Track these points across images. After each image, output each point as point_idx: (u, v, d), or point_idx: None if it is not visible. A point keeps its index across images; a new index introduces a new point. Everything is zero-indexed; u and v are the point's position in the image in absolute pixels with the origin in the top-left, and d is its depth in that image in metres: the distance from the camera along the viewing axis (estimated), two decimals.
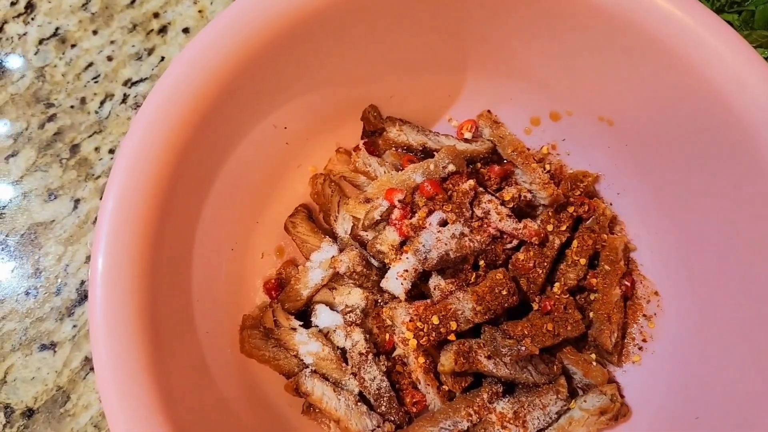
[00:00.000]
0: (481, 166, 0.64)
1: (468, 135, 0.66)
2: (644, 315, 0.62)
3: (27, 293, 0.63)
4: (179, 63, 0.49)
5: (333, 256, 0.59)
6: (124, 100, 0.69)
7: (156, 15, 0.72)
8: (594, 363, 0.60)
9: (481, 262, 0.58)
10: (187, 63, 0.49)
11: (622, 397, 0.59)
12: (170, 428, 0.47)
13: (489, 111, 0.66)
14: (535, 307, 0.59)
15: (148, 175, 0.48)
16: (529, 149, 0.65)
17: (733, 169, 0.51)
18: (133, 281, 0.47)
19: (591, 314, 0.61)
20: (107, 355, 0.46)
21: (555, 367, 0.58)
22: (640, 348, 0.61)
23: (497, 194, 0.60)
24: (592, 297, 0.62)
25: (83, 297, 0.63)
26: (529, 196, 0.61)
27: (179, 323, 0.53)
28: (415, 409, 0.58)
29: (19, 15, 0.71)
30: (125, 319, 0.46)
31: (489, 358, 0.56)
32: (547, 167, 0.65)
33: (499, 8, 0.55)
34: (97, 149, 0.67)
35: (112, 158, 0.64)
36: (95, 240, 0.46)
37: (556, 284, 0.60)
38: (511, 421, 0.56)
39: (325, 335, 0.59)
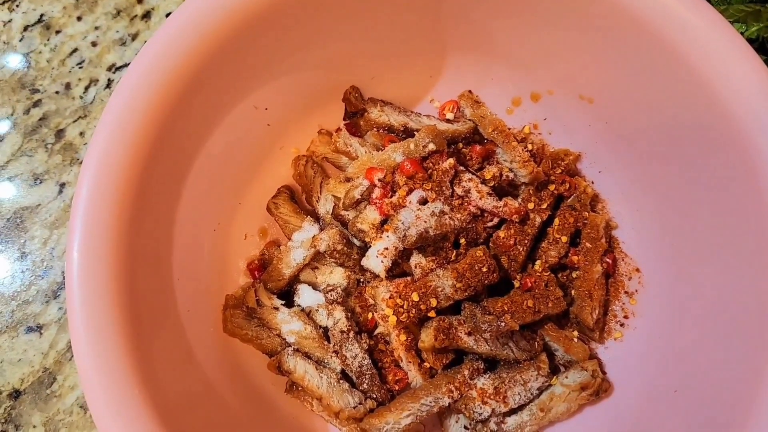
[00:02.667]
0: (462, 146, 0.64)
1: (450, 116, 0.66)
2: (626, 292, 0.62)
3: (13, 276, 0.63)
4: (154, 42, 0.49)
5: (314, 235, 0.59)
6: (108, 86, 0.69)
7: (140, 1, 0.72)
8: (575, 339, 0.60)
9: (462, 241, 0.58)
10: (162, 41, 0.49)
11: (604, 373, 0.60)
12: (153, 409, 0.47)
13: (470, 91, 0.66)
14: (517, 284, 0.59)
15: (123, 155, 0.48)
16: (510, 129, 0.65)
17: (711, 145, 0.52)
18: (111, 262, 0.47)
19: (572, 292, 0.61)
20: (86, 336, 0.46)
21: (536, 343, 0.59)
22: (622, 324, 0.61)
23: (478, 173, 0.61)
24: (574, 275, 0.62)
25: None
26: (510, 175, 0.61)
27: (160, 304, 0.53)
28: (397, 387, 0.58)
29: (3, 2, 0.72)
30: (103, 300, 0.47)
31: (469, 334, 0.57)
32: (529, 147, 0.65)
33: None
34: (81, 134, 0.68)
35: None
36: (71, 221, 0.46)
37: (538, 262, 0.61)
38: (492, 397, 0.56)
39: (308, 314, 0.60)
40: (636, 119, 0.58)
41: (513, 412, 0.58)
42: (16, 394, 0.61)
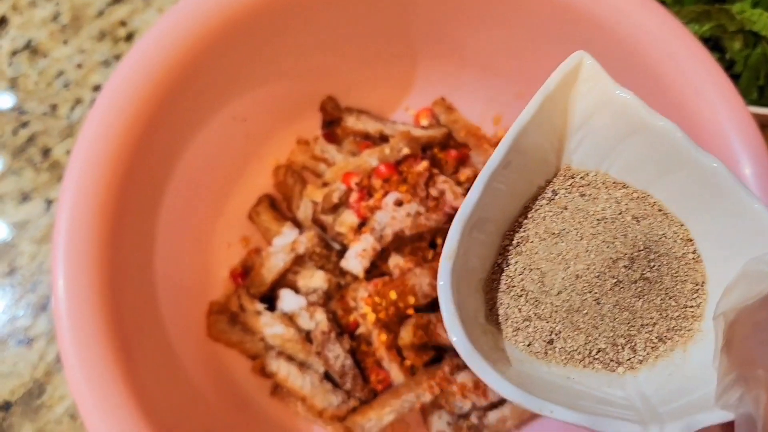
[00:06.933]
0: (439, 152, 0.66)
1: (425, 122, 0.68)
2: None
3: (3, 291, 0.65)
4: (129, 59, 0.51)
5: (294, 239, 0.61)
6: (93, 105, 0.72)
7: (123, 23, 0.75)
8: None
9: (439, 241, 0.60)
10: (136, 58, 0.51)
11: None
12: (142, 413, 0.48)
13: (443, 98, 0.68)
14: None
15: (102, 169, 0.49)
16: (484, 133, 0.68)
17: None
18: (94, 273, 0.48)
19: None
20: (73, 345, 0.47)
21: None
22: None
23: (453, 176, 0.63)
24: None
25: None
26: None
27: (144, 313, 0.54)
28: (380, 387, 0.60)
29: None
30: (90, 312, 0.47)
31: None
32: None
33: None
34: (68, 152, 0.70)
35: None
36: (54, 236, 0.47)
37: None
38: (472, 391, 0.57)
39: (290, 318, 0.61)
40: None
41: (494, 406, 0.59)
42: (7, 406, 0.62)
